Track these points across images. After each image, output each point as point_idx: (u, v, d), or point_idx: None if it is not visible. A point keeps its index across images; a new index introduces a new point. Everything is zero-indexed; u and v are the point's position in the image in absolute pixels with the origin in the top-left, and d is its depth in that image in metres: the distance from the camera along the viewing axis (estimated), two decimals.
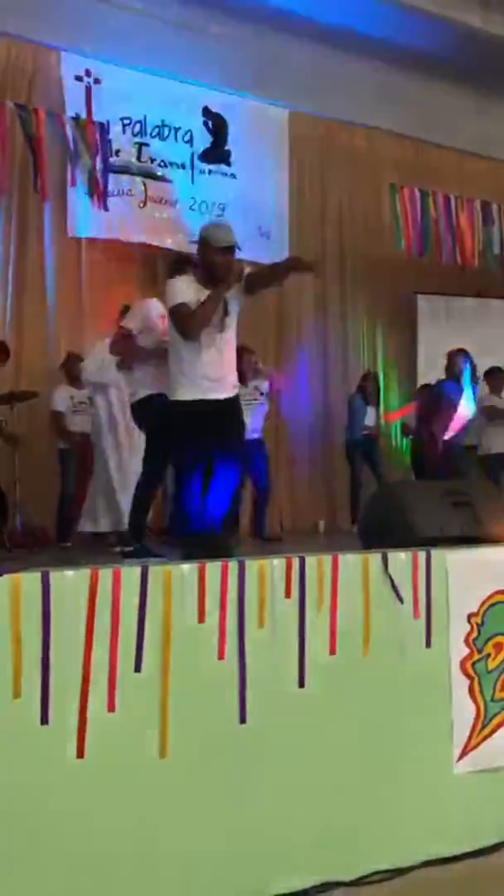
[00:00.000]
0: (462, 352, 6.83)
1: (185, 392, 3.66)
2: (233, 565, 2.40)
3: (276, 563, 2.49)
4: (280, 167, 8.21)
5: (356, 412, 7.40)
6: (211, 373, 3.67)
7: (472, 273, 7.93)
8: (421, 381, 7.97)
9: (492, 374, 7.15)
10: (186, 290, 3.66)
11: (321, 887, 2.42)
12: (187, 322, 3.61)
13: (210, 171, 7.85)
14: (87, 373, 5.62)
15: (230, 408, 3.74)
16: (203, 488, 3.72)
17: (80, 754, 2.11)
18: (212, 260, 3.63)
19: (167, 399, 3.75)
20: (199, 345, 3.63)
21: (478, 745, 2.80)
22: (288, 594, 2.49)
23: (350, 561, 2.64)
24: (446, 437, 6.55)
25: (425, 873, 2.61)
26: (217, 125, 7.84)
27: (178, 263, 4.29)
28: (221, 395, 3.69)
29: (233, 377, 3.78)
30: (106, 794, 2.15)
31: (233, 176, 7.95)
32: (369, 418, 7.47)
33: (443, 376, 6.90)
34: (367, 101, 8.29)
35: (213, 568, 2.36)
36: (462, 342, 7.52)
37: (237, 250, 3.66)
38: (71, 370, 6.36)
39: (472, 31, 7.51)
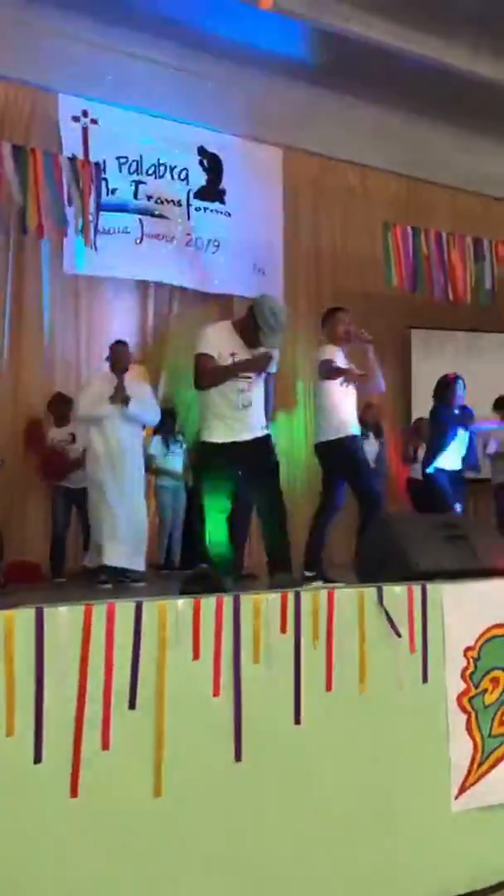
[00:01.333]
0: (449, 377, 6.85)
1: (218, 434, 3.86)
2: (228, 600, 2.39)
3: (272, 598, 2.48)
4: (274, 205, 8.34)
5: None
6: (250, 412, 3.91)
7: (464, 308, 8.02)
8: (415, 414, 8.02)
9: (501, 405, 7.17)
10: (218, 338, 3.91)
11: None
12: (204, 375, 3.88)
13: (205, 209, 7.97)
14: (81, 408, 5.58)
15: (262, 446, 3.95)
16: (233, 528, 4.03)
17: (74, 794, 2.08)
18: (255, 332, 3.89)
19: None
20: (239, 385, 3.87)
21: (476, 781, 2.76)
22: (283, 629, 2.48)
23: (345, 595, 2.64)
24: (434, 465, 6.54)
25: None
26: (212, 164, 7.98)
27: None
28: (252, 435, 3.91)
29: (262, 418, 4.02)
30: (99, 834, 2.12)
31: (227, 214, 8.07)
32: (370, 449, 7.48)
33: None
34: (360, 140, 8.45)
35: (207, 603, 2.35)
36: None
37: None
38: (56, 410, 6.42)
39: (462, 72, 7.67)
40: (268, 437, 4.02)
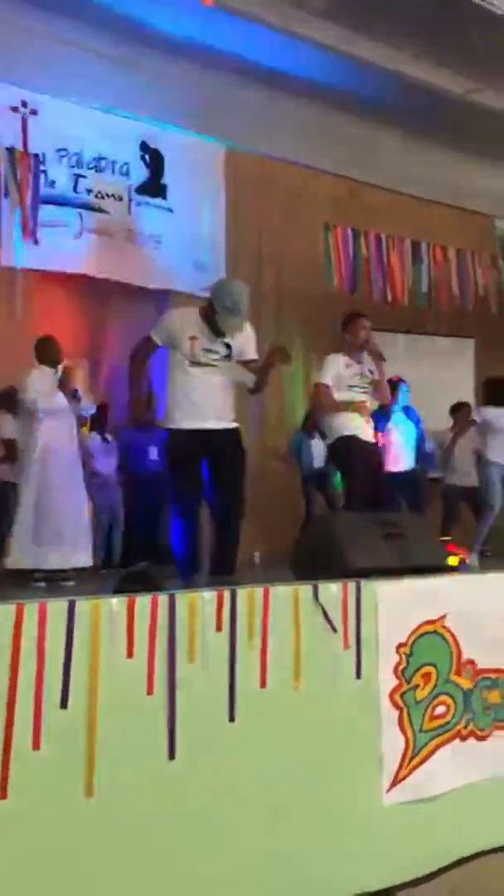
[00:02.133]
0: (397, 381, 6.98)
1: (184, 420, 3.74)
2: (163, 599, 2.38)
3: (208, 596, 2.48)
4: (216, 203, 8.31)
5: (299, 447, 7.55)
6: (209, 401, 3.75)
7: (403, 309, 8.12)
8: None
9: (458, 409, 7.28)
10: (179, 321, 3.83)
11: None
12: (135, 360, 3.90)
13: (147, 204, 7.90)
14: (37, 402, 5.33)
15: (229, 438, 3.80)
16: (195, 518, 3.81)
17: (3, 795, 2.05)
18: (214, 317, 3.77)
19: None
20: (199, 372, 3.75)
21: (407, 775, 2.82)
22: (219, 627, 2.48)
23: (281, 593, 2.65)
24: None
25: None
26: (154, 159, 7.91)
27: None
28: (220, 425, 3.77)
29: (230, 408, 3.86)
30: (30, 835, 2.09)
31: (169, 210, 8.02)
32: (317, 450, 7.55)
33: None
34: (303, 141, 8.46)
35: (142, 602, 2.34)
36: (393, 375, 7.74)
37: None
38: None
39: (403, 76, 7.76)
40: (237, 429, 3.86)
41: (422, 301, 7.85)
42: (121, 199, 7.69)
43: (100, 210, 7.53)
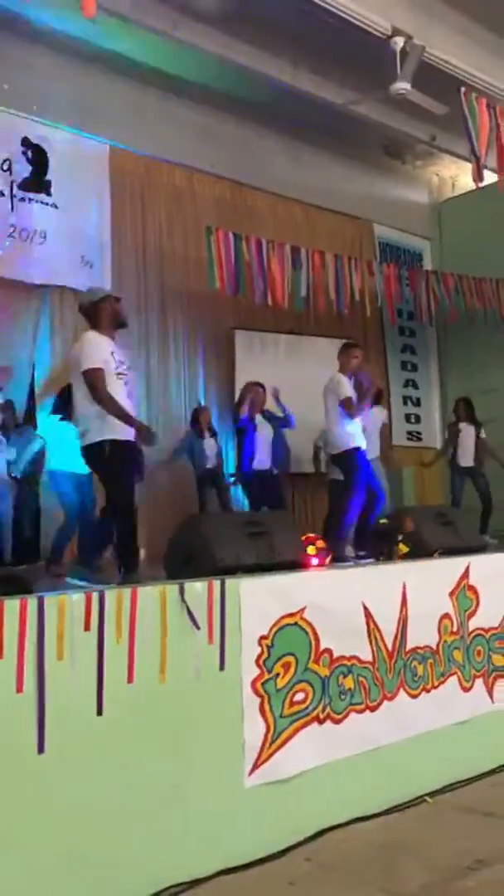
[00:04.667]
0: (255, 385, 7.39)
1: (121, 432, 3.96)
2: (32, 601, 2.50)
3: (76, 598, 2.61)
4: (101, 200, 8.33)
5: (189, 447, 7.68)
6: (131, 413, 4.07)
7: (284, 312, 8.39)
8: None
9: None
10: (104, 345, 4.03)
11: None
12: (100, 391, 3.96)
13: (30, 200, 7.85)
14: None
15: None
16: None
17: None
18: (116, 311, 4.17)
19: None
20: (123, 388, 4.04)
21: (267, 759, 3.03)
22: (87, 627, 2.62)
23: (148, 592, 2.81)
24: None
25: (219, 882, 2.80)
26: (37, 155, 7.86)
27: None
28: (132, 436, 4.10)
29: None
30: None
31: (54, 206, 7.99)
32: (209, 449, 7.70)
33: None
34: (187, 142, 8.61)
35: (11, 605, 2.45)
36: (276, 375, 8.06)
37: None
38: None
39: (283, 85, 8.01)
40: None
41: (300, 305, 8.12)
42: (2, 194, 7.62)
43: None
